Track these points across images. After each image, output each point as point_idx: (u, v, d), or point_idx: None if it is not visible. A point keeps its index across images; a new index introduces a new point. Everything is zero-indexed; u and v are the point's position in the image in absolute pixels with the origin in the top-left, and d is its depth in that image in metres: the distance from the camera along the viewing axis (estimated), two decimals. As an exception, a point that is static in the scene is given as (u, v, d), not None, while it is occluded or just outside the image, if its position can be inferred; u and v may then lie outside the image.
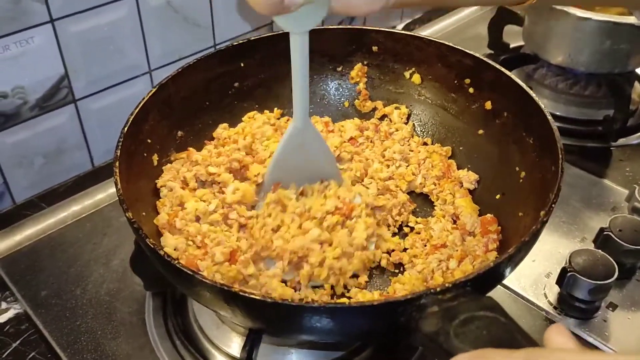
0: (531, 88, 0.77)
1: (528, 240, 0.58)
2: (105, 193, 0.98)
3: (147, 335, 0.77)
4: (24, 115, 0.89)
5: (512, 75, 0.79)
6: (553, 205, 0.62)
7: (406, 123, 0.91)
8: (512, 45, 1.27)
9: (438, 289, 0.52)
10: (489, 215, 0.77)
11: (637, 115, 1.14)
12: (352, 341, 0.72)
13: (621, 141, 1.08)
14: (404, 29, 1.43)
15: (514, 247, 0.57)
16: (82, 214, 0.94)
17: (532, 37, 1.15)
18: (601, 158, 1.06)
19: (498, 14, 1.24)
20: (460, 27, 1.45)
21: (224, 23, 1.07)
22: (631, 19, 1.02)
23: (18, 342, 0.76)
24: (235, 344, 0.74)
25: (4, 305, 0.81)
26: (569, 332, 0.42)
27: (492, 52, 1.26)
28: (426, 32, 1.43)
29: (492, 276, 0.57)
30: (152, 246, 0.58)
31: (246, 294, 0.53)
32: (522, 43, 1.22)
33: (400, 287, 0.70)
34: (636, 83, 1.16)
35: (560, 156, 0.66)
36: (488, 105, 0.83)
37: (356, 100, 0.94)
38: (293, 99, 0.68)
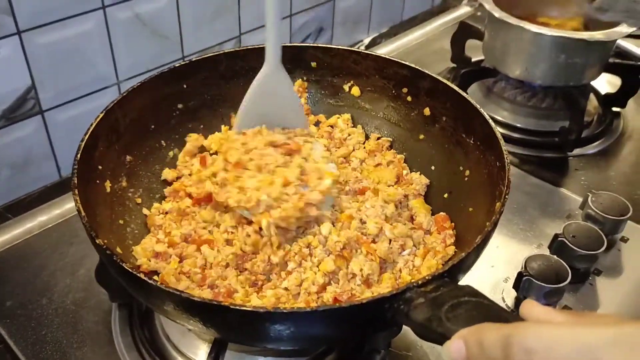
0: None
1: (490, 230, 0.63)
2: (72, 203, 0.97)
3: (113, 344, 0.77)
4: (-10, 126, 0.89)
5: (448, 82, 0.83)
6: (507, 197, 0.66)
7: (354, 127, 0.94)
8: (473, 59, 1.30)
9: (420, 282, 0.55)
10: (442, 214, 0.80)
11: (592, 126, 1.19)
12: (335, 343, 0.74)
13: (577, 151, 1.12)
14: (370, 43, 1.47)
15: (479, 237, 0.61)
16: (48, 224, 0.94)
17: (492, 52, 1.19)
18: (558, 167, 1.10)
19: (460, 29, 1.28)
20: (424, 42, 1.49)
21: (192, 35, 1.08)
22: (584, 35, 1.06)
23: (-18, 352, 0.76)
24: (201, 352, 0.75)
25: (-33, 316, 0.80)
26: (541, 305, 0.46)
27: (454, 65, 1.30)
28: (391, 46, 1.46)
29: (464, 266, 0.62)
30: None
31: (214, 302, 0.54)
32: (483, 57, 1.25)
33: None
34: (591, 95, 1.20)
35: (503, 150, 0.71)
36: (427, 111, 0.87)
37: None
38: (265, 42, 0.71)
